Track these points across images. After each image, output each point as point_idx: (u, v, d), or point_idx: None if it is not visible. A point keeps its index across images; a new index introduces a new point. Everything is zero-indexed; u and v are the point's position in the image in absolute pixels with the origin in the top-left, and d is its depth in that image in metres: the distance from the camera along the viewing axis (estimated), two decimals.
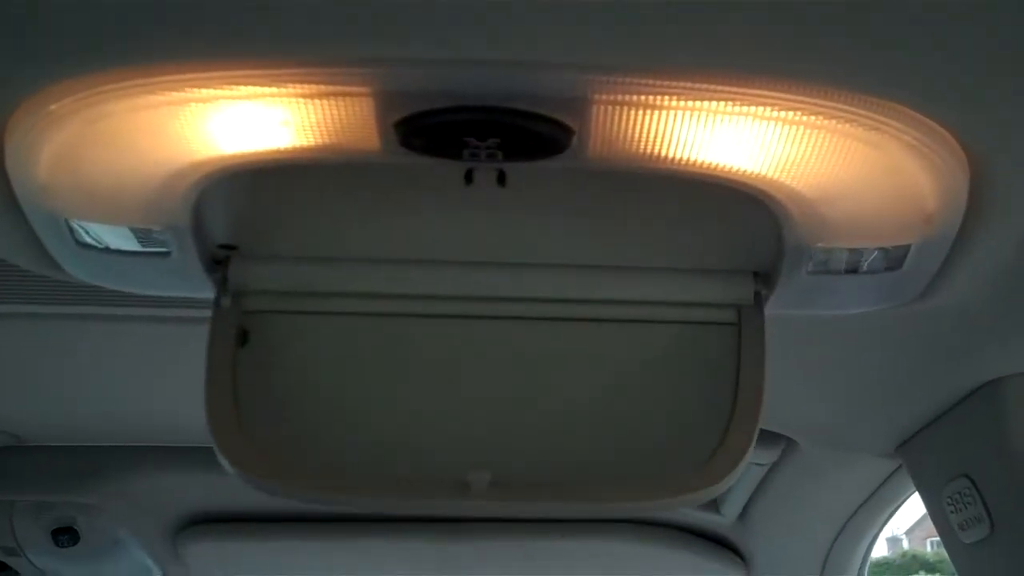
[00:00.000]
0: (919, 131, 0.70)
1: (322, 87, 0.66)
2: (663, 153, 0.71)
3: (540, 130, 0.68)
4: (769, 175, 0.74)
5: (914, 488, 1.48)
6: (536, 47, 0.62)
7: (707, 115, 0.68)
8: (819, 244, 0.82)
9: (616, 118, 0.68)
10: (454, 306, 0.91)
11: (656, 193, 0.82)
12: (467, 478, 0.83)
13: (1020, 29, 0.61)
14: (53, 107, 0.67)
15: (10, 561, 2.03)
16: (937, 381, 1.19)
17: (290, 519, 2.01)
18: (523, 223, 0.88)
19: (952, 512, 1.30)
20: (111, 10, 0.59)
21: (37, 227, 0.82)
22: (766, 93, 0.67)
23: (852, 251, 0.84)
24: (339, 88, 0.66)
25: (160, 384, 1.35)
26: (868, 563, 1.92)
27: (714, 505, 1.96)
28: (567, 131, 0.69)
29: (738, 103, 0.67)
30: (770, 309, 0.91)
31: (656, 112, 0.68)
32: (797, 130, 0.70)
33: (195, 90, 0.66)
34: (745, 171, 0.74)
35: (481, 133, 0.68)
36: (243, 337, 0.89)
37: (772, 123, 0.69)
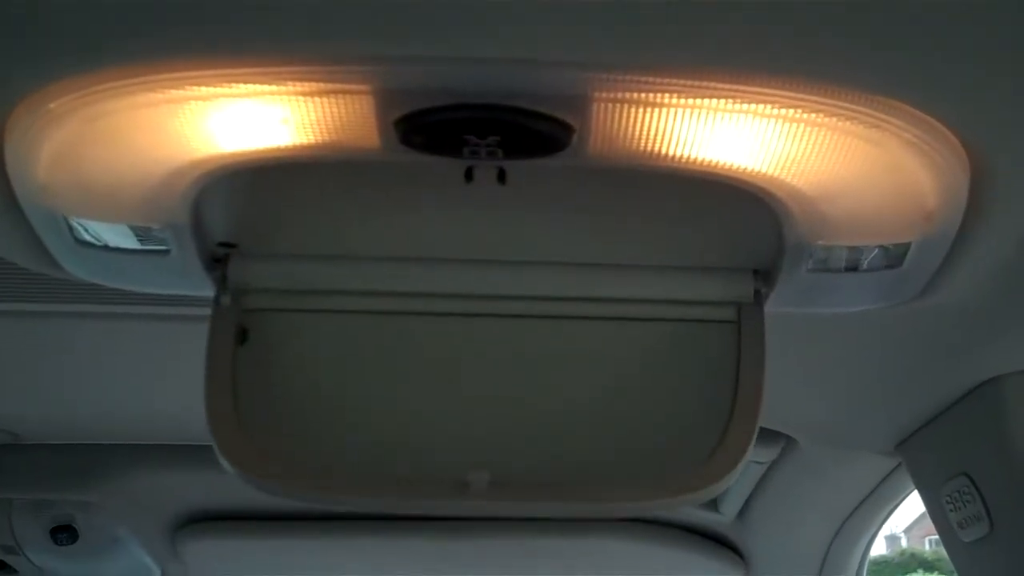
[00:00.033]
0: (919, 129, 0.70)
1: (322, 85, 0.66)
2: (663, 151, 0.71)
3: (540, 128, 0.68)
4: (769, 173, 0.74)
5: (913, 486, 1.47)
6: (536, 45, 0.62)
7: (707, 113, 0.68)
8: (819, 242, 0.82)
9: (616, 116, 0.68)
10: (454, 304, 0.91)
11: (656, 191, 0.82)
12: (467, 478, 0.83)
13: (1020, 27, 0.60)
14: (52, 105, 0.67)
15: (9, 559, 2.03)
16: (937, 379, 1.19)
17: (289, 517, 2.01)
18: (523, 221, 0.88)
19: (951, 510, 1.30)
20: (111, 8, 0.59)
21: (36, 225, 0.81)
22: (766, 91, 0.66)
23: (852, 249, 0.84)
24: (339, 86, 0.66)
25: (159, 382, 1.35)
26: (867, 561, 1.92)
27: (713, 503, 1.96)
28: (567, 129, 0.69)
29: (738, 101, 0.67)
30: (770, 307, 0.91)
31: (656, 110, 0.68)
32: (797, 128, 0.70)
33: (195, 88, 0.66)
34: (745, 169, 0.74)
35: (481, 131, 0.68)
36: (243, 335, 0.89)
37: (772, 121, 0.69)
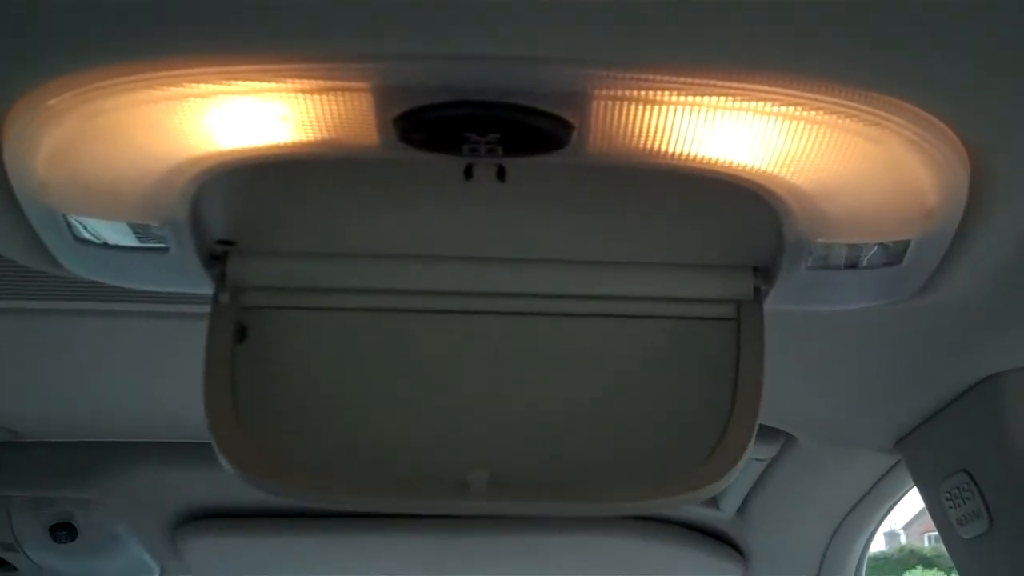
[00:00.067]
0: (919, 126, 0.69)
1: (321, 82, 0.66)
2: (663, 148, 0.71)
3: (540, 125, 0.68)
4: (769, 170, 0.74)
5: (912, 483, 1.48)
6: (536, 42, 0.62)
7: (707, 110, 0.68)
8: (819, 239, 0.82)
9: (616, 113, 0.68)
10: (453, 302, 0.91)
11: (656, 188, 0.82)
12: (466, 478, 0.83)
13: (1021, 26, 0.60)
14: (51, 102, 0.67)
15: (8, 557, 2.03)
16: (936, 377, 1.19)
17: (289, 515, 2.01)
18: (522, 218, 0.88)
19: (951, 507, 1.30)
20: (110, 6, 0.58)
21: (35, 223, 0.81)
22: (766, 88, 0.66)
23: (852, 246, 0.84)
24: (338, 83, 0.66)
25: (158, 380, 1.35)
26: (866, 558, 1.93)
27: (713, 500, 1.96)
28: (567, 126, 0.68)
29: (738, 98, 0.67)
30: (769, 304, 0.91)
31: (656, 107, 0.68)
32: (797, 125, 0.69)
33: (194, 85, 0.66)
34: (745, 166, 0.74)
35: (481, 128, 0.68)
36: (242, 333, 0.89)
37: (772, 118, 0.69)
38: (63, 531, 1.94)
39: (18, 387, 1.43)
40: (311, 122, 0.69)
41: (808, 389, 1.30)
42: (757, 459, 1.69)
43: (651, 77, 0.65)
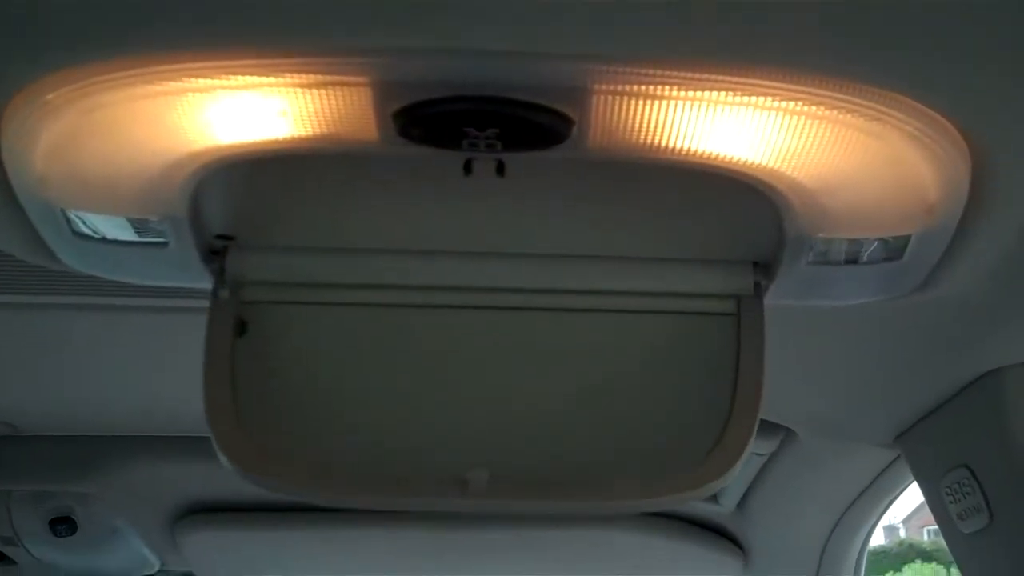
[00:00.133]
0: (920, 121, 0.69)
1: (320, 77, 0.66)
2: (663, 143, 0.71)
3: (540, 120, 0.68)
4: (770, 165, 0.74)
5: (912, 478, 1.48)
6: (536, 37, 0.62)
7: (708, 105, 0.68)
8: (819, 234, 0.82)
9: (616, 108, 0.68)
10: (453, 297, 0.90)
11: (656, 183, 0.82)
12: (465, 476, 0.83)
13: (1021, 21, 0.60)
14: (49, 97, 0.67)
15: (8, 551, 2.03)
16: (937, 372, 1.19)
17: (289, 509, 2.01)
18: (522, 213, 0.88)
19: (951, 502, 1.30)
20: (108, 0, 0.58)
21: (33, 217, 0.81)
22: (767, 83, 0.66)
23: (852, 242, 0.83)
24: (337, 78, 0.66)
25: (158, 374, 1.35)
26: (866, 552, 1.93)
27: (712, 495, 1.96)
28: (567, 121, 0.68)
29: (739, 93, 0.67)
30: (769, 300, 0.90)
31: (657, 102, 0.67)
32: (798, 120, 0.69)
33: (193, 80, 0.66)
34: (746, 161, 0.73)
35: (480, 123, 0.68)
36: (241, 328, 0.89)
37: (773, 113, 0.69)
38: (63, 525, 1.95)
39: (17, 381, 1.43)
40: (310, 117, 0.69)
41: (808, 384, 1.30)
42: (757, 454, 1.69)
43: (652, 72, 0.65)
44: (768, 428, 1.56)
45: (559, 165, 0.77)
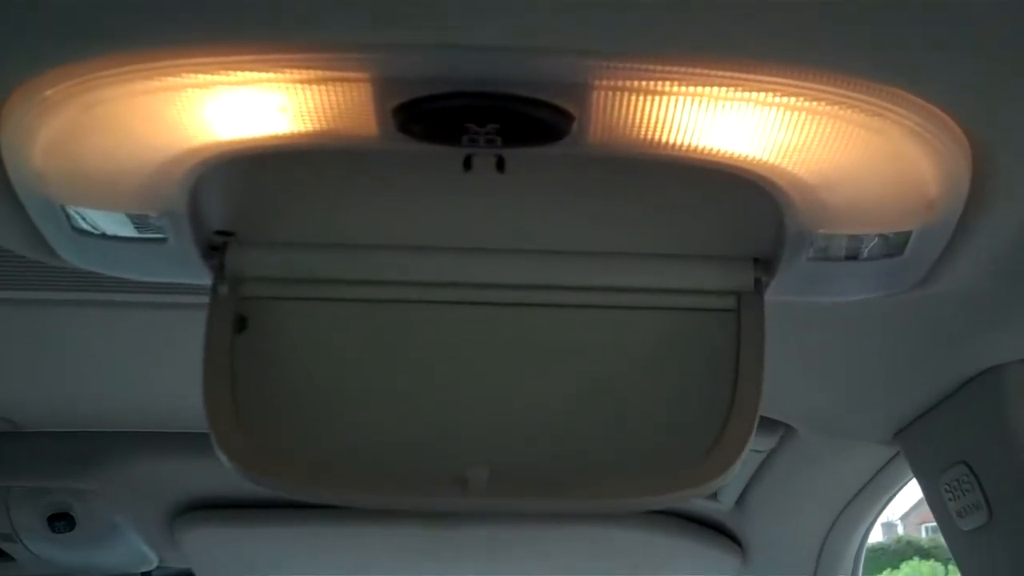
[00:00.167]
0: (921, 116, 0.69)
1: (320, 72, 0.66)
2: (664, 139, 0.71)
3: (540, 116, 0.68)
4: (770, 161, 0.74)
5: (911, 475, 1.48)
6: (536, 32, 0.62)
7: (708, 101, 0.68)
8: (820, 230, 0.81)
9: (616, 104, 0.68)
10: (452, 293, 0.90)
11: (656, 179, 0.81)
12: (465, 474, 0.83)
13: (1021, 16, 0.60)
14: (49, 93, 0.67)
15: (6, 547, 2.03)
16: (937, 368, 1.19)
17: (287, 505, 2.01)
18: (522, 209, 0.87)
19: (950, 499, 1.30)
20: None
21: (33, 213, 0.81)
22: (767, 79, 0.66)
23: (852, 237, 0.83)
24: (337, 74, 0.66)
25: (157, 370, 1.35)
26: (864, 549, 1.93)
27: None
28: (567, 117, 0.68)
29: (739, 89, 0.67)
30: (769, 296, 0.90)
31: (657, 98, 0.67)
32: (799, 116, 0.69)
33: (192, 75, 0.66)
34: (746, 157, 0.73)
35: (480, 119, 0.68)
36: (241, 324, 0.89)
37: (773, 109, 0.69)
38: (61, 521, 1.94)
39: (16, 377, 1.43)
40: (310, 113, 0.69)
41: (808, 381, 1.30)
42: (756, 450, 1.69)
43: (652, 68, 0.65)
44: (767, 424, 1.56)
45: (559, 161, 0.77)
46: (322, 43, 0.63)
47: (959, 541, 1.33)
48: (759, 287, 0.90)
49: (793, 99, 0.68)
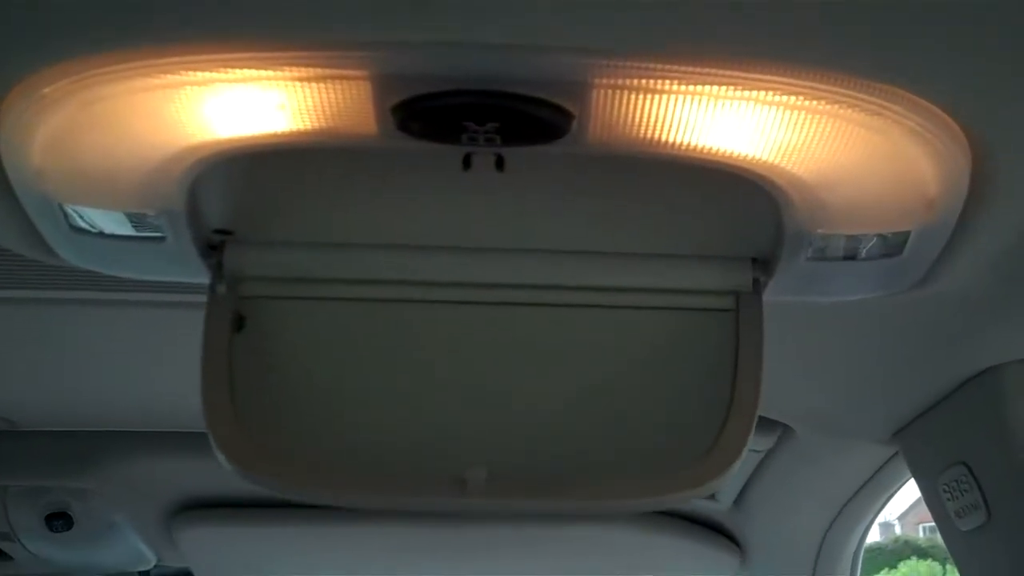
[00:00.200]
0: (920, 116, 0.69)
1: (319, 70, 0.66)
2: (663, 138, 0.71)
3: (540, 114, 0.68)
4: (769, 160, 0.73)
5: (910, 475, 1.48)
6: (536, 30, 0.62)
7: (708, 100, 0.68)
8: (819, 230, 0.81)
9: (616, 102, 0.67)
10: (452, 292, 0.90)
11: (656, 178, 0.81)
12: (464, 475, 0.83)
13: (1021, 15, 0.60)
14: (47, 90, 0.66)
15: (4, 546, 2.03)
16: (935, 368, 1.19)
17: (285, 505, 2.00)
18: (521, 208, 0.87)
19: (949, 499, 1.30)
20: None
21: (31, 212, 0.81)
22: (767, 78, 0.66)
23: (851, 237, 0.83)
24: (336, 71, 0.66)
25: (155, 369, 1.35)
26: (863, 549, 1.93)
27: None
28: (567, 116, 0.68)
29: (739, 88, 0.67)
30: (768, 296, 0.90)
31: (657, 96, 0.67)
32: (798, 115, 0.69)
33: (191, 73, 0.66)
34: (745, 156, 0.73)
35: (480, 117, 0.68)
36: (239, 323, 0.89)
37: (773, 108, 0.68)
38: (59, 520, 1.94)
39: (14, 376, 1.43)
40: (309, 111, 0.69)
41: (806, 380, 1.30)
42: (754, 450, 1.69)
43: (652, 66, 0.65)
44: (765, 424, 1.56)
45: (559, 160, 0.77)
46: (321, 41, 0.63)
47: (958, 541, 1.33)
48: (757, 287, 0.90)
49: (793, 98, 0.68)
